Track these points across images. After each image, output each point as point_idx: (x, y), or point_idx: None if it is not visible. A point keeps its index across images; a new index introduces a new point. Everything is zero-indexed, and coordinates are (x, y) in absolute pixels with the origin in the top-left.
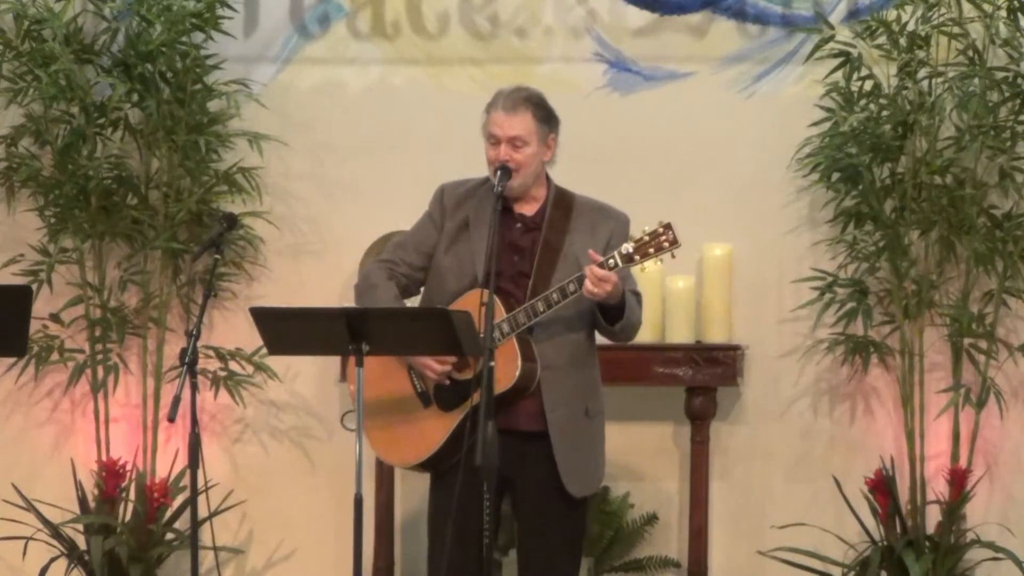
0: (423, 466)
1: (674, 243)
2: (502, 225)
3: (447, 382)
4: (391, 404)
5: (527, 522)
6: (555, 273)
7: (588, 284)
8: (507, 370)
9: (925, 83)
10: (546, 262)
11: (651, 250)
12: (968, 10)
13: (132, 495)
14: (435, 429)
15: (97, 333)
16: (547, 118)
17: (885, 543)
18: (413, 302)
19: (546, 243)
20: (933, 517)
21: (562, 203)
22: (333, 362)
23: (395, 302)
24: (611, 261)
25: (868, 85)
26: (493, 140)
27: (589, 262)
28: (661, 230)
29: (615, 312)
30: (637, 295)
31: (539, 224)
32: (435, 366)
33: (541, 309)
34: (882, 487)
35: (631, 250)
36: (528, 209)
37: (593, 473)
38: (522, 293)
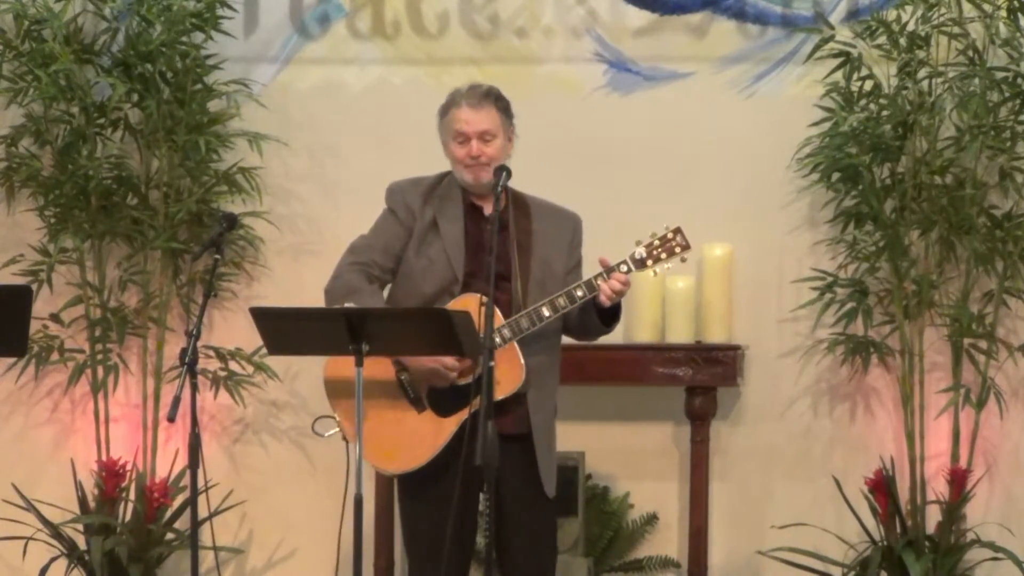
0: (420, 471)
1: (685, 247)
2: (473, 224)
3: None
4: (378, 410)
5: (512, 524)
6: (531, 274)
7: (607, 290)
8: (511, 375)
9: (925, 83)
10: (523, 264)
11: (663, 255)
12: (968, 10)
13: (132, 495)
14: (433, 434)
15: (97, 333)
16: (507, 110)
17: (885, 543)
18: None
19: (519, 244)
20: (933, 517)
21: (520, 203)
22: None
23: (383, 305)
24: (623, 266)
25: (868, 85)
26: (461, 138)
27: (558, 264)
28: (671, 235)
29: (611, 314)
30: None
31: (506, 224)
32: (448, 373)
33: (546, 314)
34: (882, 487)
35: (644, 255)
36: (491, 208)
37: (555, 472)
38: (505, 296)
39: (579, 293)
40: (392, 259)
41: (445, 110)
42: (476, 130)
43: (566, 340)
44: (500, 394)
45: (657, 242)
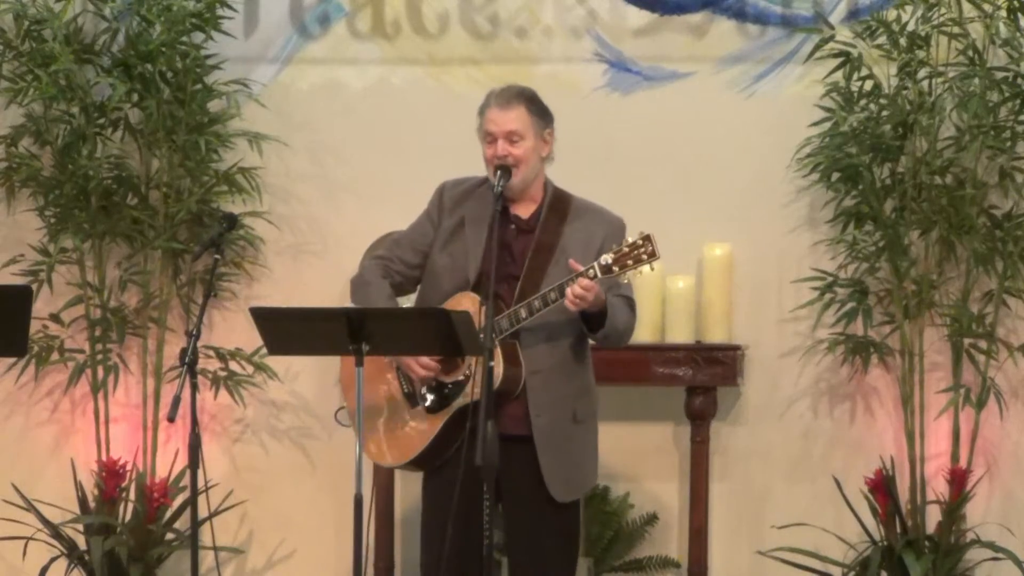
0: (411, 464)
1: (652, 256)
2: (500, 226)
3: (433, 384)
4: (379, 405)
5: (515, 526)
6: (545, 277)
7: (569, 295)
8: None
9: (925, 83)
10: (536, 266)
11: (629, 262)
12: (968, 10)
13: (132, 495)
14: (422, 430)
15: (97, 333)
16: (541, 112)
17: (885, 543)
18: (408, 300)
19: (538, 246)
20: (933, 517)
21: (558, 205)
22: (333, 362)
23: (388, 301)
24: (591, 272)
25: (868, 85)
26: (490, 138)
27: (584, 266)
28: (640, 242)
29: (597, 319)
30: (630, 301)
31: (533, 227)
32: (419, 369)
33: (523, 316)
34: (882, 487)
35: (610, 261)
36: (524, 211)
37: (580, 478)
38: (511, 296)
39: (552, 296)
40: (418, 255)
41: (480, 111)
42: (503, 130)
43: None
44: (479, 393)
45: (626, 249)
